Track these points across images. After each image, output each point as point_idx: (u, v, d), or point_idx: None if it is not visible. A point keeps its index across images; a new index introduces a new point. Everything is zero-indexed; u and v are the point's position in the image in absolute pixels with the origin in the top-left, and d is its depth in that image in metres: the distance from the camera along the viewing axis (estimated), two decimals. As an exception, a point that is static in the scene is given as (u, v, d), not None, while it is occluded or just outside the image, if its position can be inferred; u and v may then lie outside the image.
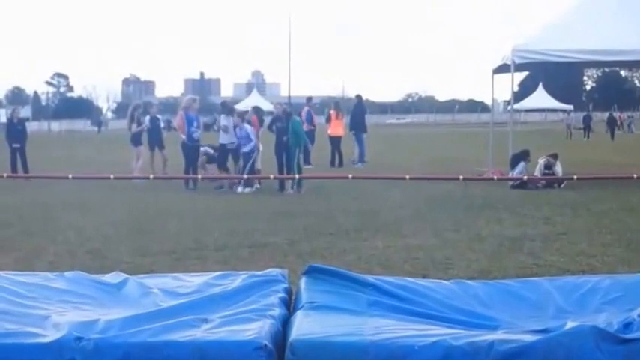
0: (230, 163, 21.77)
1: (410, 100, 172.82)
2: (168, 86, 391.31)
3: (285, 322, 4.93)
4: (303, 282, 5.60)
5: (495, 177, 18.85)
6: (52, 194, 18.80)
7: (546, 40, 20.69)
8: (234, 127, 21.05)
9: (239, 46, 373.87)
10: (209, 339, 4.53)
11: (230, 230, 13.32)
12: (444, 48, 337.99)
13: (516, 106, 63.98)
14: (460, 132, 72.22)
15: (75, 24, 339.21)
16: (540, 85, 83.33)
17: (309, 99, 34.22)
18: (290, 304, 5.46)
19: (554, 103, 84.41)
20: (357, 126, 30.36)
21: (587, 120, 62.20)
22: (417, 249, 11.33)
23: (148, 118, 23.89)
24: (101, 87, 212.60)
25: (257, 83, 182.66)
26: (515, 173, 20.47)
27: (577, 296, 5.54)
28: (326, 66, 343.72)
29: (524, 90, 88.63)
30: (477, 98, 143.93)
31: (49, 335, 4.61)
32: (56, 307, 5.33)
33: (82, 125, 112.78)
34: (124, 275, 6.16)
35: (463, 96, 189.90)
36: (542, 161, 21.23)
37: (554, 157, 21.42)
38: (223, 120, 21.91)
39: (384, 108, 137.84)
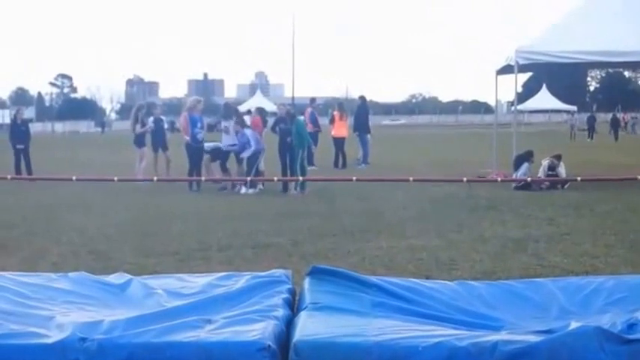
0: (232, 165, 21.78)
1: (413, 101, 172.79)
2: (172, 87, 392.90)
3: (289, 323, 4.93)
4: (306, 283, 5.60)
5: (499, 179, 18.83)
6: (56, 195, 18.81)
7: (550, 41, 20.68)
8: (236, 133, 21.06)
9: (243, 47, 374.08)
10: (213, 340, 4.54)
11: (234, 231, 13.32)
12: (447, 49, 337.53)
13: (520, 107, 63.79)
14: (464, 133, 72.24)
15: (78, 25, 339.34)
16: (544, 86, 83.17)
17: (313, 100, 34.19)
18: (294, 305, 5.46)
19: (557, 104, 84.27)
20: (361, 127, 30.33)
21: (591, 121, 62.08)
22: (420, 250, 11.32)
23: (151, 119, 23.87)
24: (105, 88, 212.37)
25: (261, 84, 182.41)
26: (518, 174, 20.46)
27: (581, 297, 5.55)
28: (330, 67, 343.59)
29: (528, 91, 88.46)
30: (481, 99, 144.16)
31: (53, 336, 4.62)
32: (60, 308, 5.34)
33: (86, 126, 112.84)
34: (127, 276, 6.17)
35: (467, 97, 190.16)
36: (545, 162, 21.22)
37: (558, 158, 21.42)
38: (224, 121, 21.92)
39: (387, 109, 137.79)
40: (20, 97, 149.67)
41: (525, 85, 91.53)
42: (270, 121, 24.31)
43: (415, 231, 13.09)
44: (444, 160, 31.48)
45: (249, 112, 28.98)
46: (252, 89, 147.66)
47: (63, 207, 17.00)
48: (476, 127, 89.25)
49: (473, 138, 52.67)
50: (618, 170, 24.33)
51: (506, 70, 22.79)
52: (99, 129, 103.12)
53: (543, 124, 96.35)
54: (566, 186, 19.31)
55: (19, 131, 25.29)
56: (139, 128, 23.28)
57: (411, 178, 11.90)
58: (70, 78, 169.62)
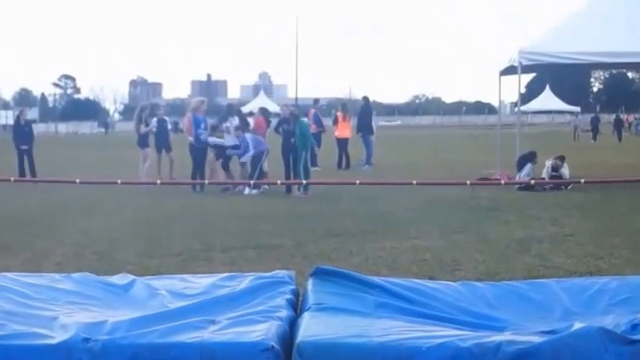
0: (235, 166, 21.80)
1: (417, 101, 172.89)
2: (176, 88, 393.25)
3: (293, 324, 4.93)
4: (310, 284, 5.60)
5: (503, 181, 18.83)
6: (60, 196, 18.82)
7: (553, 41, 20.67)
8: (237, 137, 21.08)
9: (246, 48, 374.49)
10: (216, 340, 4.53)
11: (237, 232, 13.33)
12: (451, 50, 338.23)
13: (523, 107, 63.90)
14: (467, 134, 72.22)
15: (82, 26, 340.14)
16: (547, 87, 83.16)
17: (316, 101, 34.23)
18: (297, 305, 5.46)
19: (561, 105, 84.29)
20: (364, 128, 30.33)
21: (595, 122, 62.06)
22: (424, 251, 11.32)
23: (155, 120, 23.89)
24: (108, 89, 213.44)
25: (264, 85, 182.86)
26: (522, 175, 20.46)
27: (584, 298, 5.54)
28: (333, 68, 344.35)
29: (531, 92, 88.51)
30: (484, 100, 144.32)
31: (57, 336, 4.61)
32: (63, 309, 5.34)
33: (89, 127, 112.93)
34: (131, 277, 6.17)
35: (470, 98, 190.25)
36: (549, 163, 21.23)
37: (562, 159, 21.41)
38: (226, 122, 21.95)
39: (390, 110, 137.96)
40: (24, 98, 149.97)
41: (529, 86, 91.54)
42: (274, 122, 24.27)
43: (418, 232, 13.09)
44: (447, 160, 31.50)
45: (251, 113, 28.97)
46: (256, 90, 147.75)
47: (66, 208, 17.02)
48: (479, 127, 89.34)
49: (476, 139, 52.67)
50: (622, 171, 24.32)
51: (509, 70, 22.79)
52: (102, 130, 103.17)
53: (546, 125, 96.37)
54: (569, 187, 19.29)
55: (22, 132, 25.28)
56: (143, 128, 23.30)
57: (414, 182, 11.89)
58: (73, 79, 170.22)
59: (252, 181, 18.95)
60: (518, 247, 11.61)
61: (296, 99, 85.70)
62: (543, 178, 20.48)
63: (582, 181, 15.52)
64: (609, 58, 20.95)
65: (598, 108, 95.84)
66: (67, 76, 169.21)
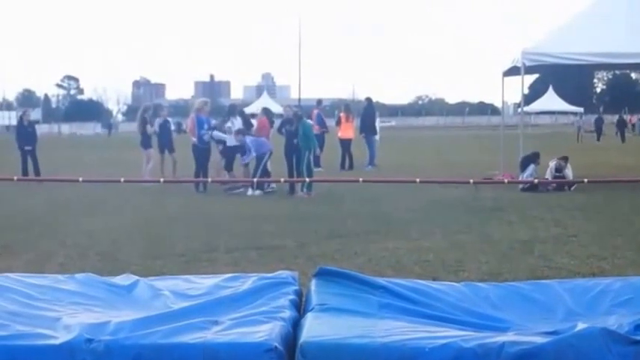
0: (238, 168, 21.83)
1: (420, 102, 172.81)
2: (179, 89, 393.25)
3: (296, 325, 4.94)
4: (313, 284, 5.61)
5: (506, 180, 18.82)
6: (63, 197, 18.84)
7: (556, 42, 20.67)
8: (238, 141, 21.10)
9: (249, 49, 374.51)
10: (219, 341, 4.54)
11: (240, 232, 13.33)
12: (454, 50, 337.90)
13: (527, 108, 63.95)
14: (470, 134, 72.19)
15: (85, 27, 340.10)
16: (550, 88, 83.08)
17: (319, 102, 34.19)
18: (300, 306, 5.46)
19: (564, 105, 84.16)
20: (367, 128, 30.31)
21: (599, 122, 62.05)
22: (427, 251, 11.31)
23: (157, 121, 23.90)
24: (111, 90, 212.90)
25: (267, 86, 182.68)
26: (525, 175, 20.45)
27: (587, 299, 5.54)
28: (336, 68, 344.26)
29: (535, 92, 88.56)
30: (487, 101, 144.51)
31: (60, 337, 4.63)
32: (67, 309, 5.35)
33: (92, 128, 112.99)
34: (134, 277, 6.18)
35: (473, 99, 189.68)
36: (552, 164, 21.22)
37: (565, 159, 21.40)
38: (228, 122, 21.97)
39: (394, 111, 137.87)
40: (27, 99, 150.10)
41: (532, 87, 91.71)
42: (277, 122, 24.29)
43: (421, 232, 13.09)
44: (450, 161, 31.47)
45: (253, 115, 28.97)
46: (259, 91, 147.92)
47: (70, 208, 17.03)
48: (482, 128, 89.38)
49: (479, 140, 52.63)
50: (625, 172, 24.31)
51: (512, 71, 22.79)
52: (105, 131, 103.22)
53: (550, 125, 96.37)
54: (572, 188, 19.27)
55: (25, 133, 25.29)
56: (149, 129, 23.31)
57: (417, 180, 11.90)
58: (76, 79, 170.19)
59: (255, 179, 18.95)
60: (521, 248, 11.60)
61: (299, 100, 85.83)
62: (546, 179, 20.46)
63: (586, 180, 15.50)
64: (612, 59, 20.95)
65: (601, 109, 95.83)
66: (70, 77, 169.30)
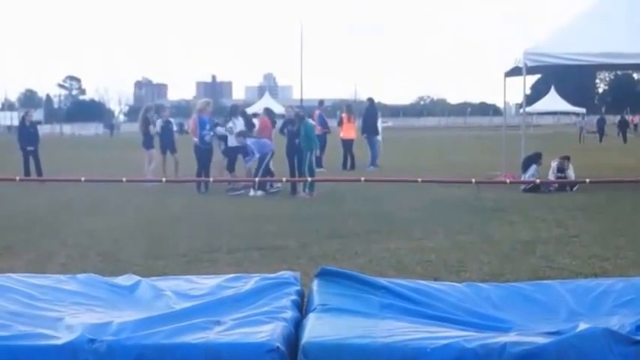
0: (240, 169, 21.85)
1: (422, 103, 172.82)
2: (181, 89, 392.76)
3: (298, 325, 4.94)
4: (315, 285, 5.61)
5: (508, 180, 18.82)
6: (65, 197, 18.85)
7: (558, 43, 20.67)
8: (239, 144, 21.12)
9: (251, 49, 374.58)
10: (221, 341, 4.55)
11: (242, 233, 13.33)
12: (456, 51, 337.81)
13: (528, 109, 63.63)
14: (472, 135, 72.18)
15: (87, 27, 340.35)
16: (552, 88, 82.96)
17: (321, 102, 34.21)
18: (302, 306, 5.47)
19: (566, 106, 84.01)
20: (369, 129, 30.32)
21: (601, 123, 62.07)
22: (429, 252, 11.31)
23: (159, 121, 23.91)
24: (113, 90, 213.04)
25: (269, 86, 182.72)
26: (527, 176, 20.44)
27: (589, 299, 5.54)
28: (338, 69, 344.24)
29: (537, 93, 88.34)
30: (489, 101, 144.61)
31: (62, 337, 4.63)
32: (69, 310, 5.35)
33: (94, 128, 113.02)
34: (136, 278, 6.18)
35: (475, 99, 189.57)
36: (554, 164, 21.23)
37: (567, 159, 21.41)
38: (229, 122, 21.98)
39: (395, 111, 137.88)
40: (29, 99, 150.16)
41: (534, 87, 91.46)
42: (279, 123, 24.28)
43: (423, 232, 13.10)
44: (452, 162, 31.45)
45: (255, 114, 28.98)
46: (261, 91, 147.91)
47: (71, 208, 17.04)
48: (484, 129, 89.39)
49: (481, 140, 52.64)
50: (627, 172, 24.30)
51: (514, 72, 22.78)
52: (107, 131, 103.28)
53: (552, 126, 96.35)
54: (574, 188, 19.28)
55: (27, 133, 25.30)
56: (152, 129, 23.33)
57: (419, 180, 11.87)
58: (78, 80, 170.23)
59: (257, 179, 18.95)
60: (523, 249, 11.60)
61: (301, 100, 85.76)
62: (549, 180, 20.45)
63: (587, 180, 15.50)
64: (614, 59, 20.94)
65: (603, 109, 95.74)
66: (72, 77, 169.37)
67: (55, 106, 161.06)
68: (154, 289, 5.86)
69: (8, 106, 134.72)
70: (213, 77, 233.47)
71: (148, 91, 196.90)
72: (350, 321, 4.83)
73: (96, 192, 19.33)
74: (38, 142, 25.36)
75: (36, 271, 8.01)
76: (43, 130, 62.59)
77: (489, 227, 13.80)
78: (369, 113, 31.20)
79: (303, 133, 19.98)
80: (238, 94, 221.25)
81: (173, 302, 5.53)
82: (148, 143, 23.39)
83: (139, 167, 23.56)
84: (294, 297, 5.49)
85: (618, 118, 68.91)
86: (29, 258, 11.13)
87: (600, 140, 57.39)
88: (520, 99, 29.19)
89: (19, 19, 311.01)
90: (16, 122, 58.91)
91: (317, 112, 30.67)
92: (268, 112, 24.45)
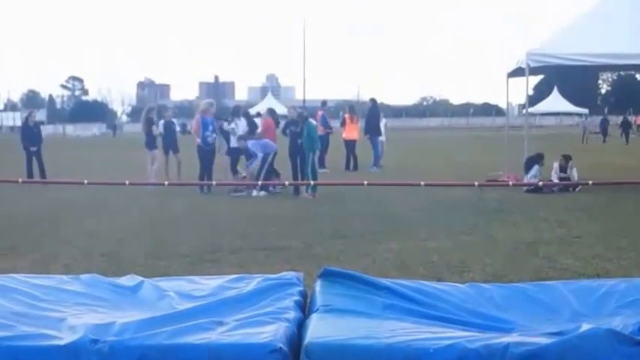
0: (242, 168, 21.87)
1: (424, 103, 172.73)
2: (183, 90, 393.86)
3: (301, 325, 4.93)
4: (318, 285, 5.60)
5: (511, 182, 18.82)
6: (67, 197, 18.85)
7: (561, 43, 20.66)
8: (241, 147, 21.14)
9: (253, 50, 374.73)
10: (224, 342, 4.54)
11: (245, 233, 13.33)
12: (458, 51, 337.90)
13: (531, 109, 63.77)
14: (475, 136, 72.12)
15: (90, 27, 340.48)
16: (555, 89, 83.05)
17: (324, 103, 34.22)
18: (305, 307, 5.46)
19: (569, 106, 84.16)
20: (372, 130, 30.33)
21: (604, 124, 62.07)
22: (431, 252, 11.32)
23: (162, 122, 23.92)
24: (116, 90, 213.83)
25: (272, 87, 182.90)
26: (529, 176, 20.45)
27: (592, 300, 5.53)
28: (341, 70, 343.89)
29: (539, 94, 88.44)
30: (492, 102, 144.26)
31: (65, 338, 4.62)
32: (72, 310, 5.35)
33: (97, 129, 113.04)
34: (139, 278, 6.18)
35: (478, 100, 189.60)
36: (556, 164, 21.23)
37: (568, 158, 21.40)
38: (232, 123, 22.00)
39: (398, 112, 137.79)
40: (31, 100, 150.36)
41: (536, 88, 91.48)
42: (282, 123, 24.28)
43: (426, 233, 13.10)
44: (455, 162, 31.48)
45: (258, 114, 28.97)
46: (263, 92, 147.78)
47: (74, 209, 17.04)
48: (487, 129, 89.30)
49: (484, 141, 52.62)
50: (629, 173, 24.28)
51: (517, 72, 22.78)
52: (110, 131, 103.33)
53: (554, 127, 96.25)
54: (577, 189, 19.28)
55: (31, 133, 25.32)
56: (156, 129, 23.34)
57: (422, 183, 11.88)
58: (81, 80, 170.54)
59: (259, 182, 18.96)
60: (525, 249, 11.60)
61: (304, 101, 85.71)
62: (551, 180, 20.46)
63: (590, 182, 15.49)
64: (617, 60, 20.93)
65: (606, 110, 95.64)
66: (74, 78, 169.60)
67: (58, 106, 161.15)
68: (156, 290, 5.86)
69: (11, 107, 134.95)
70: (216, 78, 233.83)
71: (151, 91, 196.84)
72: (353, 321, 4.82)
73: (99, 193, 19.34)
74: (41, 142, 25.38)
75: (39, 271, 8.04)
76: (46, 130, 62.46)
77: (492, 228, 13.80)
78: (372, 114, 31.21)
79: (306, 133, 19.97)
80: (241, 95, 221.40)
81: (176, 303, 5.52)
82: (150, 144, 23.40)
83: (142, 167, 23.56)
84: (296, 297, 5.48)
85: (621, 118, 68.81)
86: (32, 258, 11.15)
87: (604, 141, 57.38)
88: (523, 100, 29.25)
89: (22, 20, 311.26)
90: (18, 123, 59.01)
91: (320, 112, 30.69)
92: (271, 112, 24.44)
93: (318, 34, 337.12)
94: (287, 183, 18.88)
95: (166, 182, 17.71)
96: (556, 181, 20.46)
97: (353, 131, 30.10)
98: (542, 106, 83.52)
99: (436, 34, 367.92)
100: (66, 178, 22.72)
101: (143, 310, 5.37)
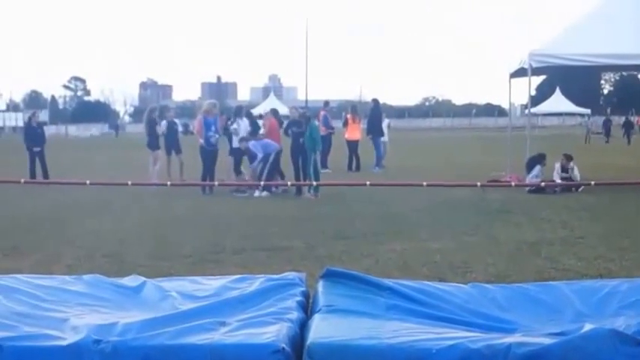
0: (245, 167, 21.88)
1: (427, 104, 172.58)
2: (186, 90, 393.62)
3: (303, 326, 4.94)
4: (320, 285, 5.61)
5: (513, 183, 18.81)
6: (70, 198, 18.86)
7: (563, 44, 20.64)
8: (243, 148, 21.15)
9: (256, 50, 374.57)
10: (227, 342, 4.54)
11: (247, 234, 13.33)
12: (461, 52, 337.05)
13: (534, 110, 63.83)
14: (477, 136, 72.06)
15: (92, 28, 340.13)
16: (557, 89, 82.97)
17: (326, 103, 34.22)
18: (307, 307, 5.46)
19: (571, 107, 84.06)
20: (374, 130, 30.31)
21: (607, 124, 62.05)
22: (434, 253, 11.31)
23: (164, 122, 23.92)
24: (118, 91, 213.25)
25: (274, 87, 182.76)
26: (530, 176, 20.45)
27: (595, 300, 5.53)
28: (343, 70, 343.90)
29: (542, 94, 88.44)
30: (495, 102, 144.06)
31: (68, 338, 4.63)
32: (75, 310, 5.36)
33: (100, 129, 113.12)
34: (142, 278, 6.18)
35: (480, 100, 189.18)
36: (558, 165, 21.22)
37: (569, 157, 21.38)
38: (234, 124, 22.01)
39: (401, 112, 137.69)
40: (34, 100, 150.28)
41: (539, 88, 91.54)
42: (284, 123, 24.29)
43: (429, 233, 13.09)
44: (457, 163, 31.46)
45: (261, 116, 28.98)
46: (266, 92, 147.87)
47: (77, 210, 17.05)
48: (489, 130, 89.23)
49: (486, 141, 52.56)
50: (631, 174, 24.26)
51: (519, 73, 22.77)
52: (112, 132, 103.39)
53: (557, 127, 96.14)
54: (580, 189, 19.26)
55: (34, 134, 25.35)
56: (158, 129, 23.34)
57: (424, 183, 11.87)
58: (83, 81, 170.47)
59: (262, 183, 18.96)
60: (528, 250, 11.60)
61: (306, 101, 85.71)
62: (553, 180, 20.44)
63: (592, 183, 15.48)
64: (619, 60, 20.93)
65: (609, 110, 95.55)
66: (77, 78, 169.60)
67: (60, 107, 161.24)
68: (159, 290, 5.87)
69: (13, 107, 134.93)
70: (218, 78, 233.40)
71: (153, 91, 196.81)
72: (355, 322, 4.83)
73: (101, 193, 19.34)
74: (45, 142, 25.41)
75: (42, 271, 8.04)
76: (48, 131, 62.26)
77: (494, 228, 13.79)
78: (374, 114, 31.19)
79: (308, 134, 19.97)
80: (243, 95, 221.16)
81: (178, 303, 5.53)
82: (153, 144, 23.39)
83: (144, 168, 23.57)
84: (299, 298, 5.49)
85: (623, 119, 68.75)
86: (35, 259, 11.15)
87: (607, 141, 57.35)
88: (525, 100, 29.20)
89: (24, 20, 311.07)
90: (21, 123, 59.05)
91: (322, 113, 30.70)
92: (274, 112, 24.44)
93: (321, 35, 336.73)
94: (289, 183, 18.88)
95: (169, 183, 17.70)
96: (558, 181, 20.43)
97: (355, 131, 30.07)
98: (545, 107, 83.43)
99: (439, 34, 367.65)
100: (68, 178, 22.70)
101: (146, 310, 5.38)
